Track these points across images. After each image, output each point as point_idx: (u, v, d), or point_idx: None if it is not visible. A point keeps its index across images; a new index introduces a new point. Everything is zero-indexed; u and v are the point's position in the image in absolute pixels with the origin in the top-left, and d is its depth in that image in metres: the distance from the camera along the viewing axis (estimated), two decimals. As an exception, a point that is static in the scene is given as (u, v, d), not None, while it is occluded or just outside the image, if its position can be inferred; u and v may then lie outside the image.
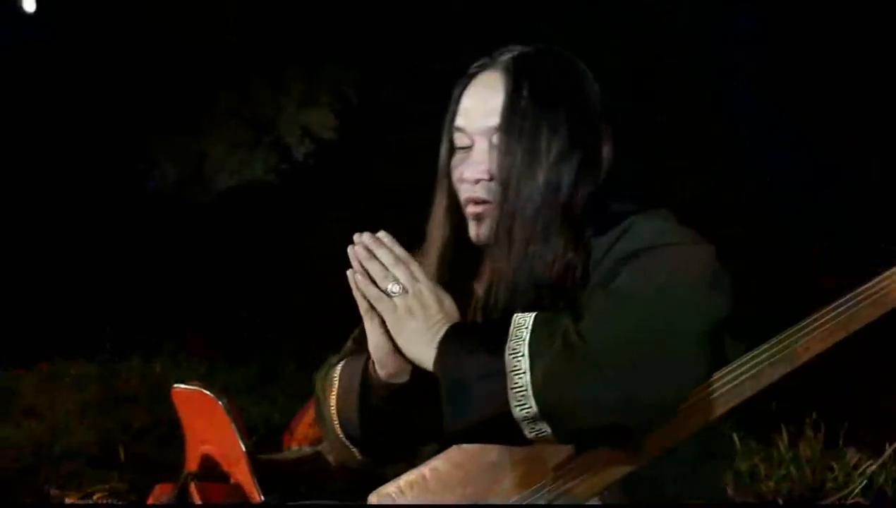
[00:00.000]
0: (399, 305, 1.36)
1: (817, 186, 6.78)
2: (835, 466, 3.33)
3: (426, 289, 1.37)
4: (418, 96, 7.90)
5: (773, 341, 1.37)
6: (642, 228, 1.41)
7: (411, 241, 1.49)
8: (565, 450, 1.31)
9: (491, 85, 1.49)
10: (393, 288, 1.36)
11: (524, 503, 1.32)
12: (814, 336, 1.37)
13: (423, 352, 1.34)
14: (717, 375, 1.34)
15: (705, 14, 7.05)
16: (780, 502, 3.23)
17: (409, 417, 1.46)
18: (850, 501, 3.14)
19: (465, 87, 1.52)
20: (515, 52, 1.51)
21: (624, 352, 1.24)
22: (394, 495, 1.34)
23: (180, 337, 6.64)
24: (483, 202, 1.47)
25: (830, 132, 6.61)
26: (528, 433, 1.26)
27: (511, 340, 1.28)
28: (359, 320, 1.41)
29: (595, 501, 1.32)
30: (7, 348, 5.97)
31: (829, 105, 6.59)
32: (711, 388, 1.34)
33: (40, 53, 8.04)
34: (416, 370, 1.40)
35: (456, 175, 1.50)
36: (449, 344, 1.33)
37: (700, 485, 1.45)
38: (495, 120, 1.46)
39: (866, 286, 1.38)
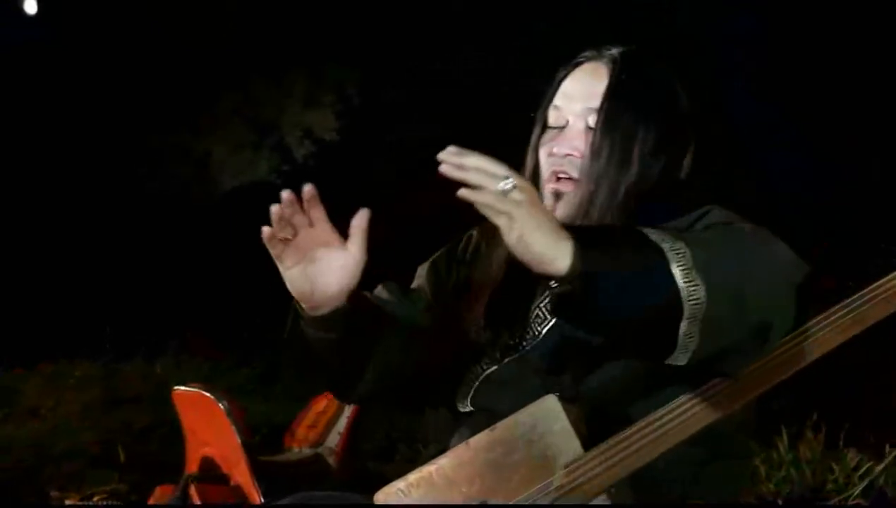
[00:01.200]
0: (521, 199, 1.23)
1: (817, 186, 6.78)
2: (835, 468, 3.33)
3: (527, 182, 1.29)
4: (419, 96, 7.93)
5: (791, 336, 1.37)
6: (722, 213, 1.47)
7: (411, 244, 1.50)
8: (572, 449, 1.32)
9: (595, 73, 1.54)
10: (506, 185, 1.23)
11: (529, 502, 1.33)
12: (825, 332, 1.38)
13: (556, 245, 1.22)
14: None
15: (705, 14, 7.06)
16: (781, 503, 3.24)
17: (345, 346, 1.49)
18: (850, 503, 3.14)
19: (568, 73, 1.57)
20: (622, 49, 1.56)
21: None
22: (401, 493, 1.36)
23: (183, 337, 6.65)
24: (567, 178, 1.51)
25: (830, 132, 6.61)
26: (686, 327, 1.22)
27: (653, 234, 1.26)
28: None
29: (602, 499, 1.33)
30: (9, 348, 5.97)
31: (829, 105, 6.59)
32: (722, 386, 1.34)
33: (42, 54, 8.04)
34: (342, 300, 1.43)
35: (544, 151, 1.54)
36: (583, 235, 1.26)
37: (710, 485, 1.45)
38: (595, 103, 1.51)
39: (879, 283, 1.39)
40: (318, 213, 1.43)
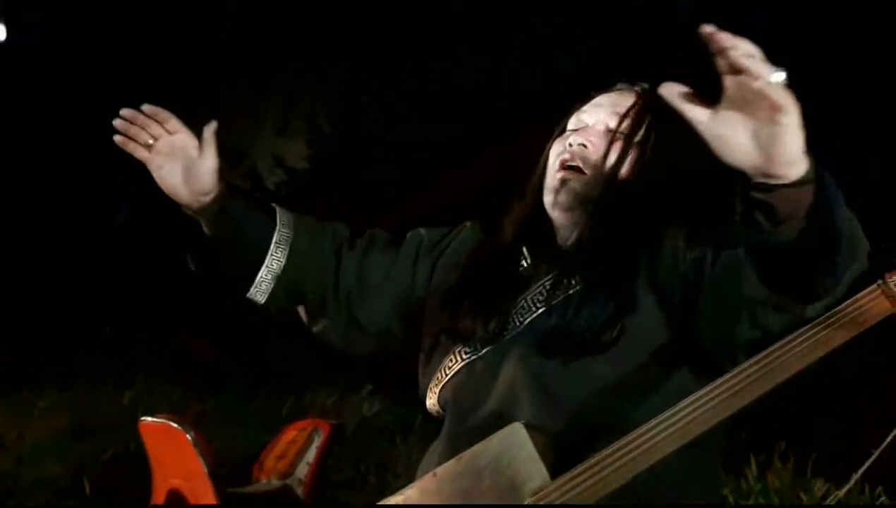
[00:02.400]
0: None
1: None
2: (803, 497, 3.34)
3: None
4: (418, 96, 7.86)
5: (757, 358, 1.38)
6: None
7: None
8: (540, 476, 1.33)
9: (625, 94, 1.67)
10: (780, 77, 1.23)
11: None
12: (794, 353, 1.39)
13: (802, 151, 1.25)
14: (698, 394, 1.36)
15: (706, 12, 7.05)
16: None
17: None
18: (818, 531, 3.15)
19: (599, 93, 1.69)
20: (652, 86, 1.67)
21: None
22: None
23: (153, 365, 6.58)
24: (575, 168, 1.59)
25: (830, 132, 6.64)
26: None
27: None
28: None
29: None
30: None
31: (829, 105, 6.64)
32: (696, 406, 1.36)
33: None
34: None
35: (558, 145, 1.64)
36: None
37: None
38: (621, 109, 1.62)
39: (842, 306, 1.40)
40: (174, 125, 1.71)
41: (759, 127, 1.22)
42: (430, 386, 1.63)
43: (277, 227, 1.76)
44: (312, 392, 6.03)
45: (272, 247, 1.75)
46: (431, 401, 1.63)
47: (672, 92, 1.24)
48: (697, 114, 1.24)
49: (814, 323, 1.38)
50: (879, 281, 1.38)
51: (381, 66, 7.95)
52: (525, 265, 1.64)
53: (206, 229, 1.74)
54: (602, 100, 1.67)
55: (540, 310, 1.56)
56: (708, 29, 1.20)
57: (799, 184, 1.25)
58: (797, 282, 1.33)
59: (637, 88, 1.67)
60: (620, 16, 7.33)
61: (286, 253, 1.76)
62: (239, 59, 8.15)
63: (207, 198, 1.69)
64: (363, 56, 7.98)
